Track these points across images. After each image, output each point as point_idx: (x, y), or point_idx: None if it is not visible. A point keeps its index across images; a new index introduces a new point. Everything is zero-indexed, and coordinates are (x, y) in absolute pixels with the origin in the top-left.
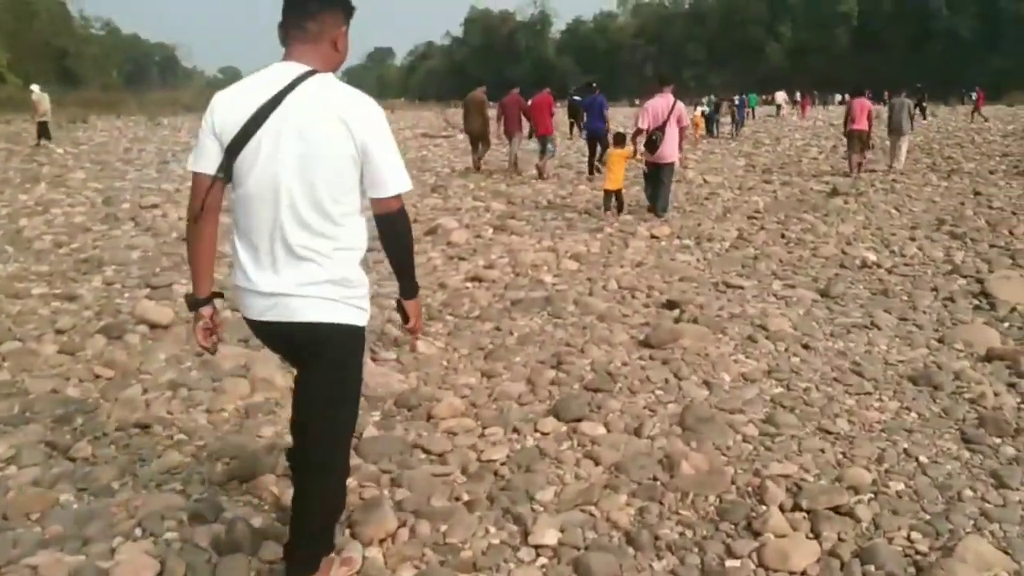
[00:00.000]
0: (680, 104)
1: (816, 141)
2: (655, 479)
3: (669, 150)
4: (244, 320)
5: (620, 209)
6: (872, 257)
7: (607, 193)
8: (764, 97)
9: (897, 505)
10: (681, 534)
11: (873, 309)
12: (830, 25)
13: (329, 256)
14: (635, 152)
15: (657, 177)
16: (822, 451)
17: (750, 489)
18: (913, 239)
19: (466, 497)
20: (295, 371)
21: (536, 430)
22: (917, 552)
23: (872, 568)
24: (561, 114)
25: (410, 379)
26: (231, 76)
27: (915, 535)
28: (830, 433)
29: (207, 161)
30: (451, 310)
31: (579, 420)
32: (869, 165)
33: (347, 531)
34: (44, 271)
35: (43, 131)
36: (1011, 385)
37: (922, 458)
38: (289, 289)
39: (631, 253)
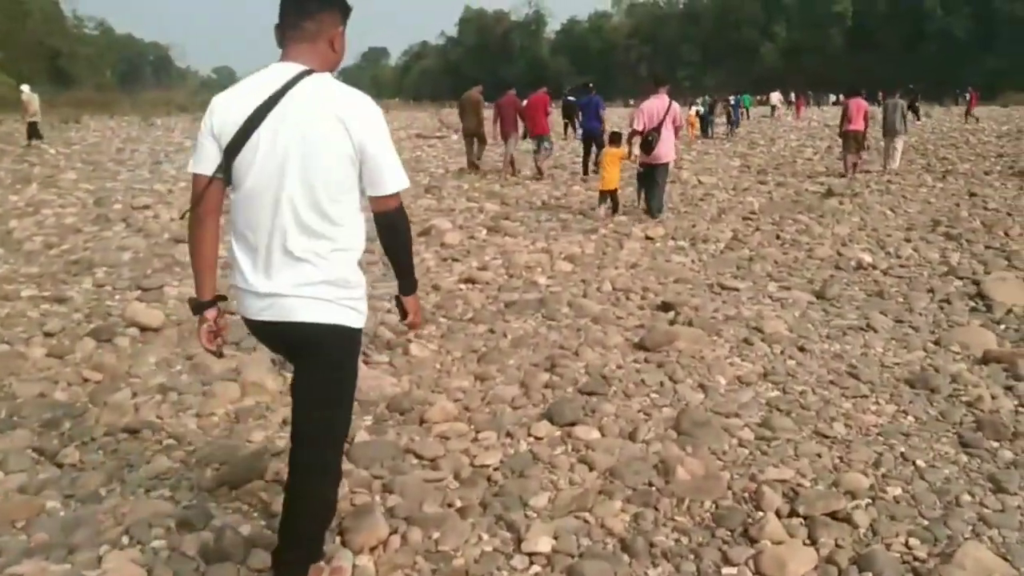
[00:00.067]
0: (676, 105)
1: (811, 142)
2: (650, 484)
3: (664, 150)
4: (242, 319)
5: (615, 210)
6: (868, 258)
7: (602, 193)
8: (759, 98)
9: (895, 510)
10: (677, 541)
11: (869, 311)
12: (824, 25)
13: (326, 257)
14: (630, 153)
15: (652, 177)
16: (819, 455)
17: (746, 495)
18: (909, 240)
19: (459, 503)
20: (290, 374)
21: (530, 434)
22: (915, 558)
23: (870, 575)
24: (556, 114)
25: (403, 382)
26: (225, 76)
27: (913, 541)
28: (827, 437)
29: (207, 163)
30: (444, 312)
31: (573, 424)
32: (864, 166)
33: (337, 539)
34: (34, 273)
35: (33, 131)
36: (1008, 388)
37: (919, 462)
38: (285, 289)
39: (626, 254)
